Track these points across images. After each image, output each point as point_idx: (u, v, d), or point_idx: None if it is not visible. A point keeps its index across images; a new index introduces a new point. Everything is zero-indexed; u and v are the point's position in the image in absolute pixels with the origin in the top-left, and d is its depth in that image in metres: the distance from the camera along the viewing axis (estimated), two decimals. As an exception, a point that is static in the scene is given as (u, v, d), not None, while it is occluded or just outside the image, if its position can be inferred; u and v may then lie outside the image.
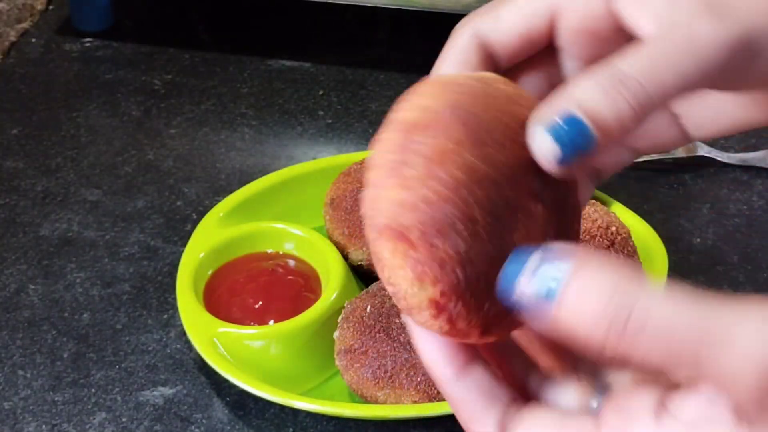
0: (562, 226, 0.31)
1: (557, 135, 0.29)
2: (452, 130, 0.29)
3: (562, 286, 0.27)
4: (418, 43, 0.91)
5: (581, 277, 0.27)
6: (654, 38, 0.30)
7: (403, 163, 0.30)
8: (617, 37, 0.33)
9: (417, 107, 0.31)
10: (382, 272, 0.31)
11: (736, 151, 0.78)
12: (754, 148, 0.79)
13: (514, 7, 0.34)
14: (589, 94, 0.29)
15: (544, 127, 0.29)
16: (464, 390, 0.31)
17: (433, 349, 0.31)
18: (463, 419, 0.32)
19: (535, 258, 0.28)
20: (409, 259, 0.29)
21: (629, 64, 0.29)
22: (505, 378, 0.32)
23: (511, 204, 0.30)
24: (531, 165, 0.30)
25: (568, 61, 0.35)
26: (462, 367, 0.31)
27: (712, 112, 0.36)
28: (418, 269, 0.29)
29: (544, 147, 0.29)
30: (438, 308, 0.30)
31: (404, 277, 0.30)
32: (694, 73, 0.29)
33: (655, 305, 0.27)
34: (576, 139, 0.29)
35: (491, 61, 0.34)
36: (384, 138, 0.31)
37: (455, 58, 0.33)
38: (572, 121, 0.29)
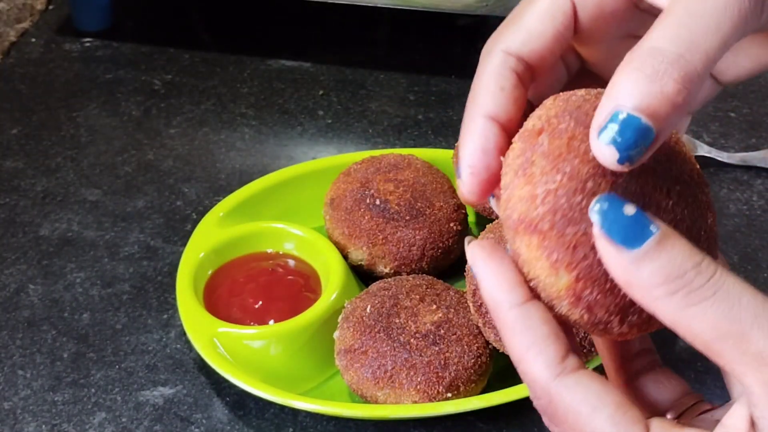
0: (693, 220, 0.32)
1: (612, 138, 0.28)
2: (566, 129, 0.31)
3: (654, 237, 0.28)
4: (418, 43, 0.91)
5: (673, 236, 0.28)
6: (677, 2, 0.29)
7: (528, 163, 0.31)
8: (635, 14, 0.34)
9: (535, 117, 0.33)
10: (522, 268, 0.32)
11: (736, 151, 0.78)
12: (755, 148, 0.79)
13: (534, 13, 0.34)
14: (633, 86, 0.28)
15: (597, 134, 0.29)
16: (525, 316, 0.31)
17: (495, 279, 0.32)
18: (517, 348, 0.31)
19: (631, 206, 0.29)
20: (543, 250, 0.31)
21: (664, 39, 0.28)
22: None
23: (638, 195, 0.31)
24: (652, 163, 0.31)
25: (593, 47, 0.36)
26: (525, 299, 0.31)
27: (731, 55, 0.36)
28: (552, 257, 0.30)
29: (601, 154, 0.29)
30: (575, 295, 0.31)
31: (541, 268, 0.31)
32: (732, 23, 0.28)
33: (726, 282, 0.28)
34: (631, 136, 0.28)
35: (527, 77, 0.34)
36: (511, 148, 0.33)
37: (493, 86, 0.34)
38: (624, 120, 0.28)
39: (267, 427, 0.56)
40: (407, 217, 0.63)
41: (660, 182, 0.31)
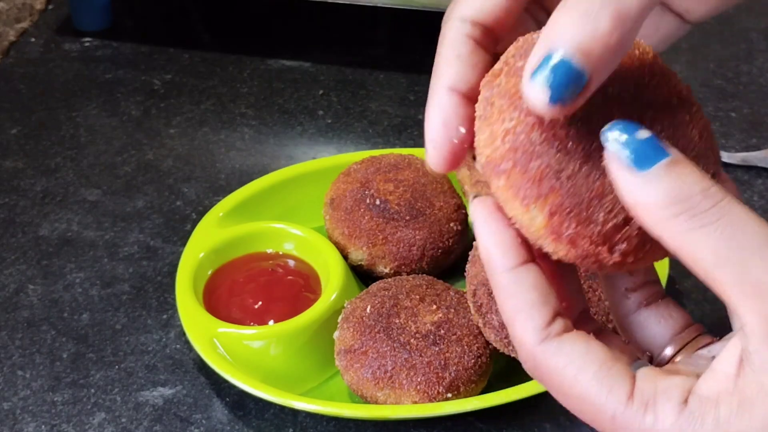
0: (674, 143, 0.31)
1: (544, 80, 0.28)
2: (522, 66, 0.30)
3: (666, 159, 0.28)
4: (418, 43, 0.91)
5: (685, 162, 0.28)
6: None
7: (489, 104, 0.31)
8: None
9: (497, 62, 0.33)
10: (505, 212, 0.32)
11: (737, 151, 0.78)
12: (755, 148, 0.78)
13: None
14: (565, 27, 0.28)
15: (530, 76, 0.29)
16: (516, 281, 0.31)
17: (492, 241, 0.32)
18: (508, 312, 0.32)
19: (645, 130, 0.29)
20: (511, 189, 0.30)
21: None
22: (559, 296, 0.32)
23: (600, 127, 0.30)
24: (618, 91, 0.31)
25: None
26: (518, 262, 0.31)
27: None
28: (520, 195, 0.30)
29: (531, 95, 0.29)
30: (554, 232, 0.30)
31: (515, 208, 0.31)
32: None
33: (732, 210, 0.28)
34: (563, 77, 0.28)
35: (488, 41, 0.34)
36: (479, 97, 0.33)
37: (449, 54, 0.33)
38: (556, 62, 0.28)
39: (267, 428, 0.56)
40: (407, 217, 0.63)
41: (628, 109, 0.31)
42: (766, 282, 0.27)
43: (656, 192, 0.28)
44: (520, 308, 0.31)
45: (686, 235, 0.27)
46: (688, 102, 0.33)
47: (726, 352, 0.29)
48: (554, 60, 0.28)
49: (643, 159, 0.28)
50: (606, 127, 0.29)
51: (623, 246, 0.31)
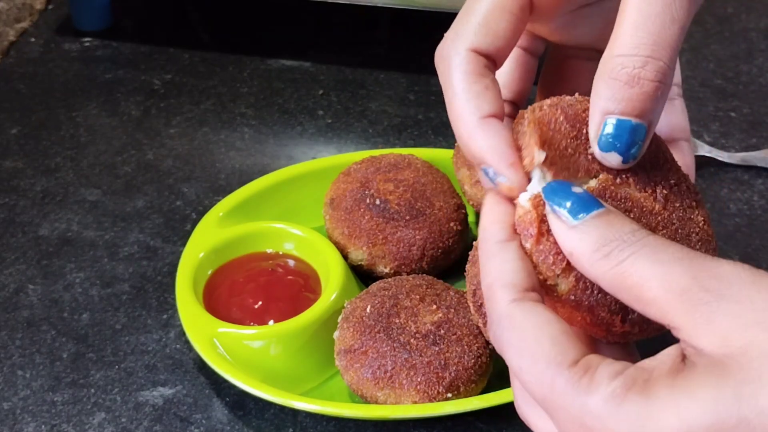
0: (683, 223, 0.34)
1: (610, 145, 0.32)
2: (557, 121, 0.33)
3: (598, 210, 0.31)
4: (418, 43, 0.91)
5: (617, 213, 0.31)
6: (628, 3, 0.31)
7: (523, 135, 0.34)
8: None
9: (524, 111, 0.35)
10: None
11: (737, 151, 0.78)
12: (755, 148, 0.78)
13: (492, 5, 0.35)
14: (614, 93, 0.31)
15: (596, 144, 0.32)
16: (507, 250, 0.33)
17: (492, 217, 0.34)
18: (491, 274, 0.33)
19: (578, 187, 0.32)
20: (538, 253, 0.32)
21: (629, 47, 0.31)
22: None
23: (621, 200, 0.33)
24: (637, 169, 0.33)
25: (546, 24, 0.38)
26: (508, 237, 0.33)
27: None
28: (549, 260, 0.32)
29: (606, 160, 0.32)
30: (576, 299, 0.32)
31: (542, 272, 0.32)
32: (684, 9, 0.31)
33: (650, 238, 0.30)
34: (628, 137, 0.31)
35: (493, 69, 0.36)
36: None
37: (475, 88, 0.35)
38: (616, 125, 0.31)
39: (267, 428, 0.56)
40: (407, 217, 0.63)
41: (644, 185, 0.33)
42: (687, 286, 0.28)
43: (589, 237, 0.30)
44: (505, 270, 0.32)
45: (616, 268, 0.29)
46: (694, 189, 0.35)
47: (657, 356, 0.30)
48: (613, 123, 0.31)
49: (577, 210, 0.30)
50: (543, 186, 0.32)
51: (635, 316, 0.32)
